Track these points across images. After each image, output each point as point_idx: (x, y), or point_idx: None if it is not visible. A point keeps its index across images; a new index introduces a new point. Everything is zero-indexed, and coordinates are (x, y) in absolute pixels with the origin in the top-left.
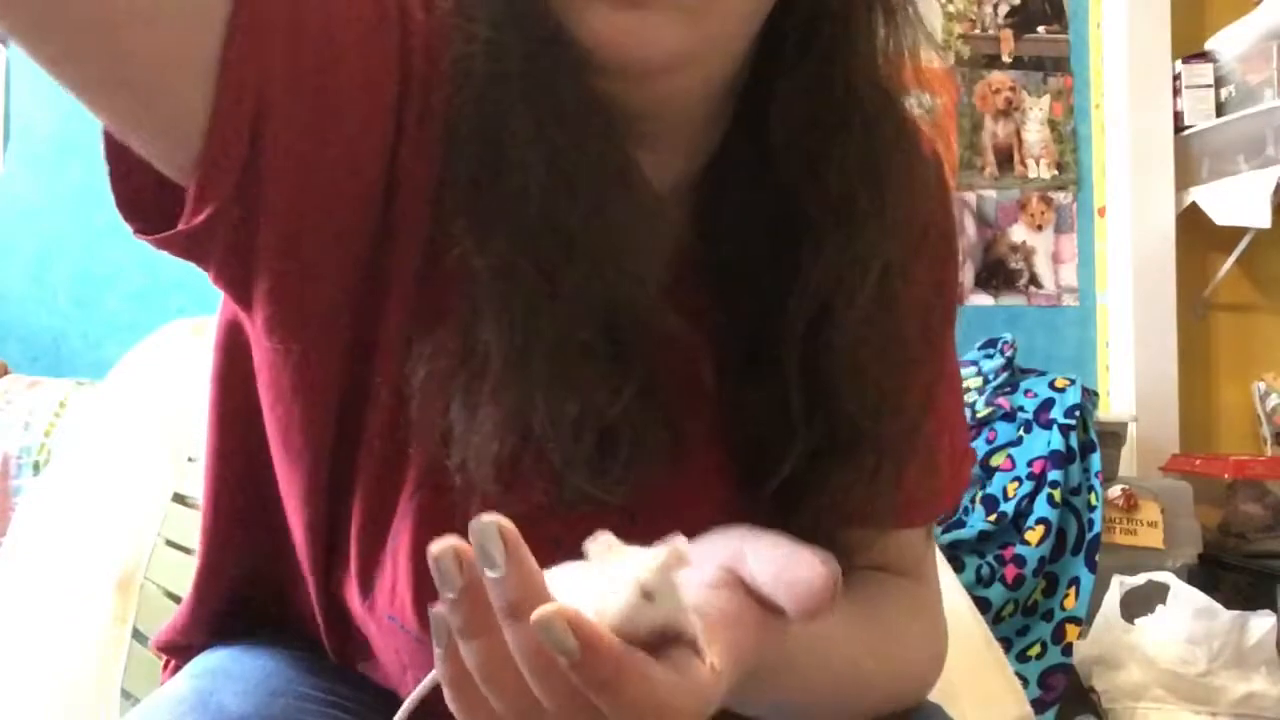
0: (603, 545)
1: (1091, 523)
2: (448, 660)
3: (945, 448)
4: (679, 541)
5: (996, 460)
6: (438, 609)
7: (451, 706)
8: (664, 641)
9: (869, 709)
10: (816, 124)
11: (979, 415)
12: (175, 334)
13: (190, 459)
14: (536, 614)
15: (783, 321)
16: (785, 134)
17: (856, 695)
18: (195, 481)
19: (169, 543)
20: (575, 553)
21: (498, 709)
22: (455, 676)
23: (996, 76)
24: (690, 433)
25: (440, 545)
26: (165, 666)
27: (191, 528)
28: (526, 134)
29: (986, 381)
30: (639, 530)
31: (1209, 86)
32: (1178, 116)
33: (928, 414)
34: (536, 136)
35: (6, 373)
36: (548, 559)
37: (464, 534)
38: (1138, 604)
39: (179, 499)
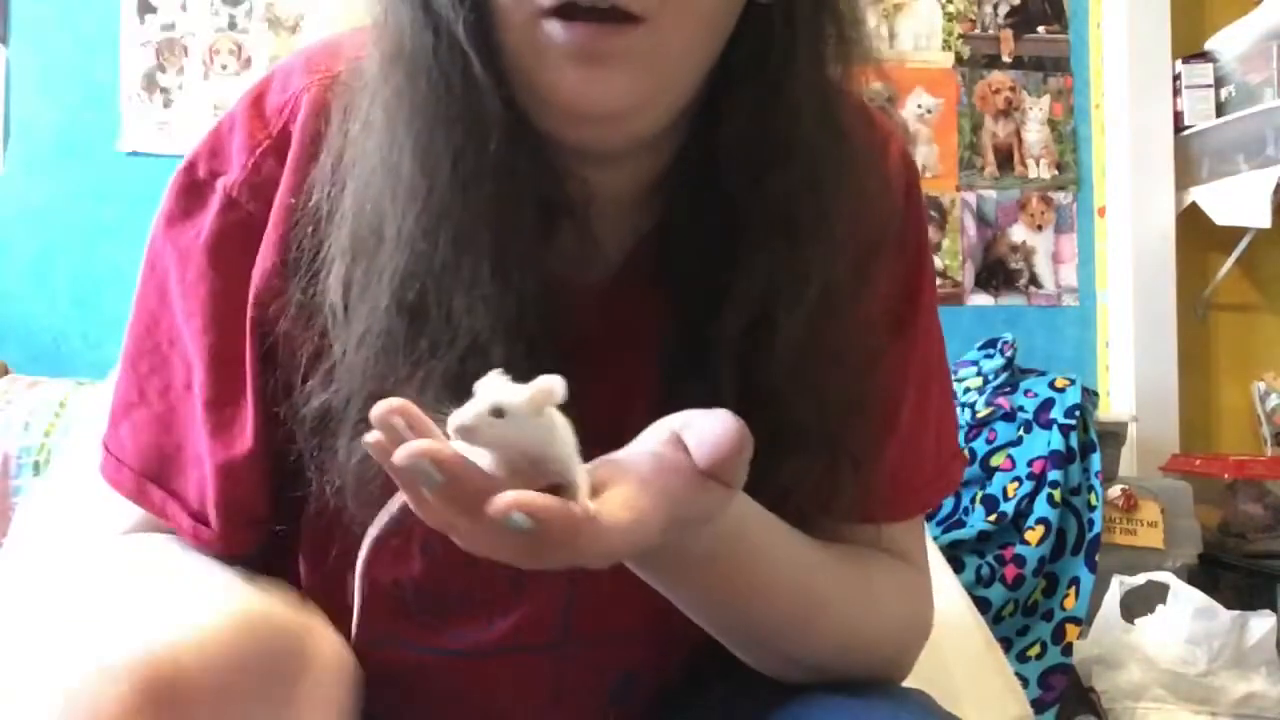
0: (491, 379)
1: (1091, 523)
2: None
3: (930, 445)
4: (554, 380)
5: (996, 460)
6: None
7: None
8: (553, 489)
9: (831, 649)
10: (760, 144)
11: (979, 415)
12: None
13: None
14: (402, 455)
15: (719, 327)
16: (731, 152)
17: (815, 621)
18: None
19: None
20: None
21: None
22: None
23: (996, 76)
24: (631, 426)
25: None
26: None
27: None
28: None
29: (986, 381)
30: None
31: (1209, 86)
32: (1178, 116)
33: (889, 415)
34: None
35: (6, 373)
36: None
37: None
38: (1138, 604)
39: None
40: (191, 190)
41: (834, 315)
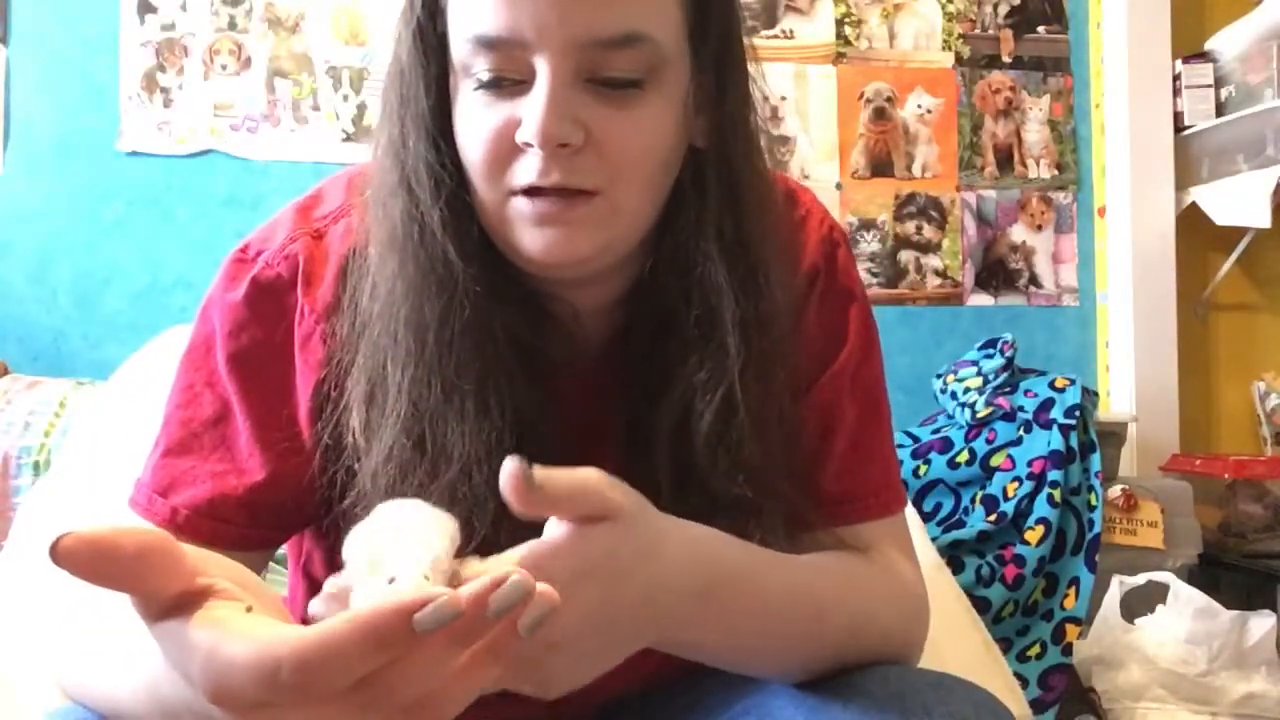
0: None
1: (1091, 523)
2: None
3: (879, 455)
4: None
5: (996, 460)
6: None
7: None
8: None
9: (842, 643)
10: (679, 273)
11: (979, 415)
12: (175, 340)
13: None
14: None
15: (657, 419)
16: (662, 274)
17: (823, 620)
18: None
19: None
20: None
21: None
22: None
23: (996, 76)
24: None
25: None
26: None
27: None
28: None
29: (986, 381)
30: None
31: (1209, 86)
32: (1178, 116)
33: (827, 430)
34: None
35: (6, 373)
36: None
37: None
38: (1138, 604)
39: None
40: (239, 265)
41: (743, 407)
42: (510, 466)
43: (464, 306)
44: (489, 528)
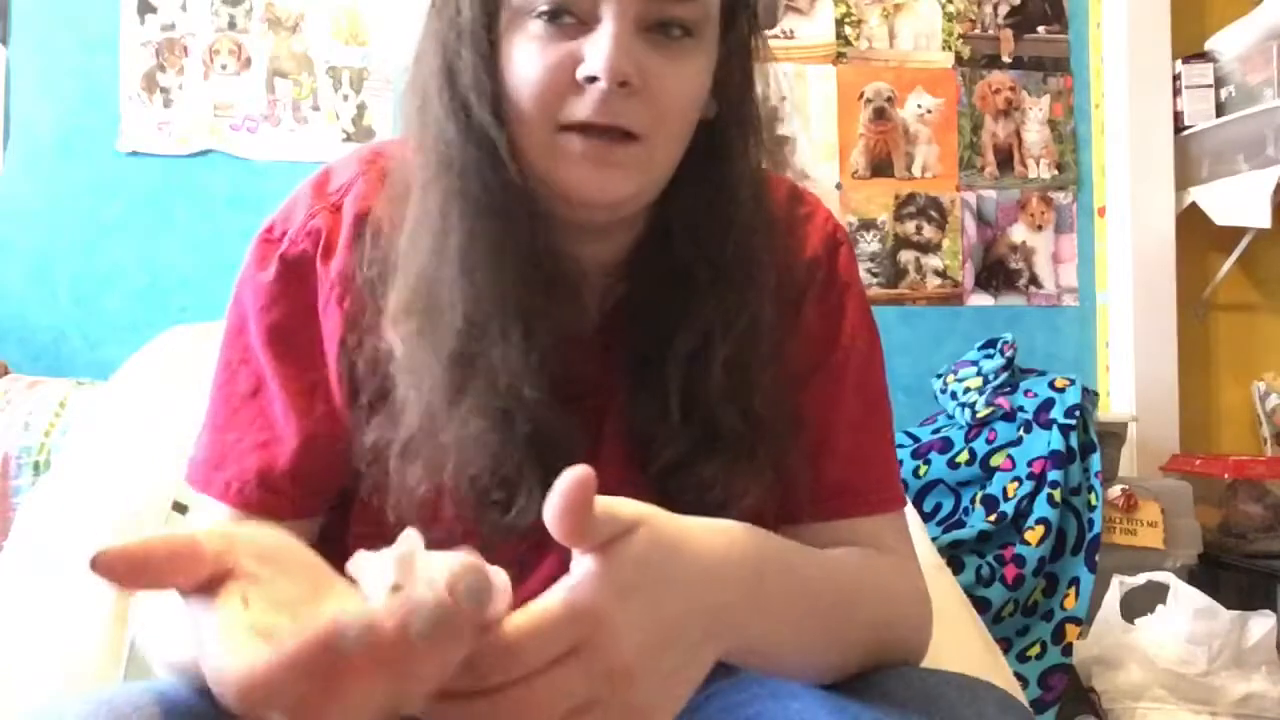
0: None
1: (1091, 523)
2: None
3: (877, 450)
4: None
5: (996, 460)
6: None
7: None
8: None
9: (868, 639)
10: (703, 220)
11: (979, 415)
12: (175, 341)
13: None
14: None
15: (671, 352)
16: (682, 226)
17: (854, 611)
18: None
19: None
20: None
21: None
22: None
23: (996, 76)
24: (607, 431)
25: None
26: None
27: None
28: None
29: (986, 381)
30: None
31: (1209, 86)
32: (1178, 116)
33: (822, 424)
34: (478, 241)
35: (6, 373)
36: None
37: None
38: (1138, 604)
39: (179, 508)
40: (266, 245)
41: (756, 346)
42: (567, 484)
43: (517, 230)
44: (521, 457)
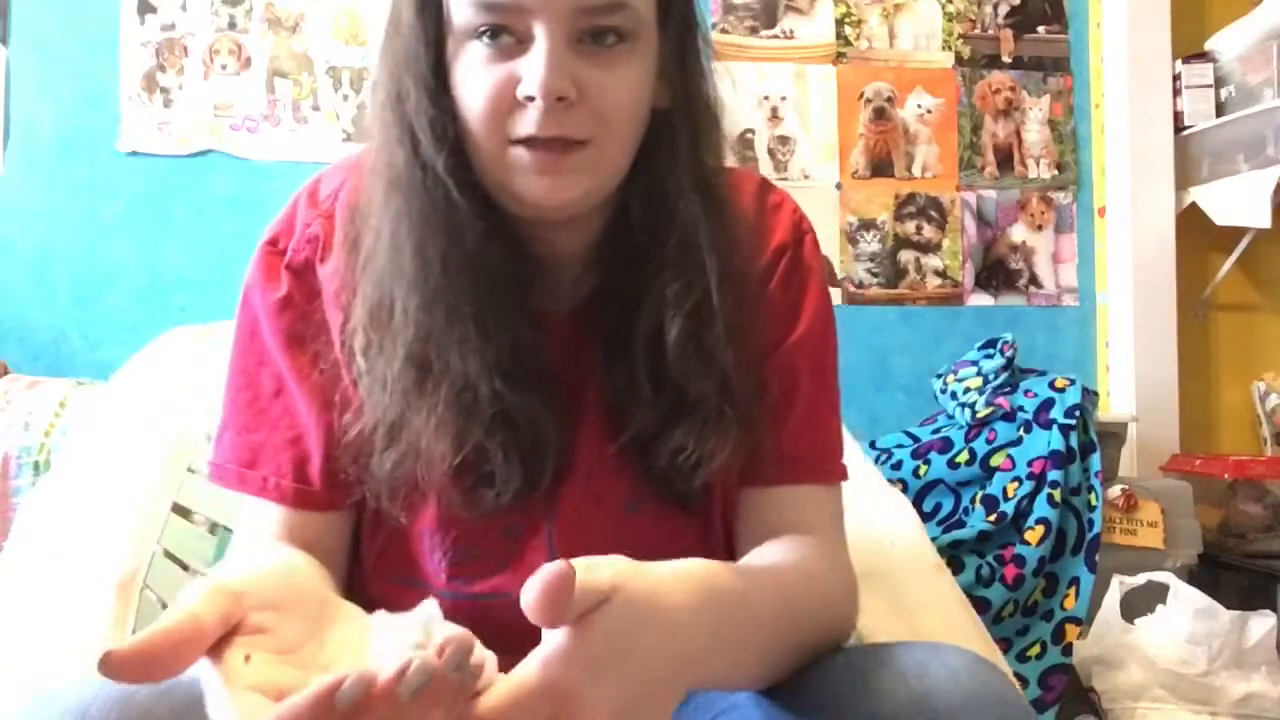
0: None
1: (1091, 523)
2: None
3: (824, 426)
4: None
5: (996, 460)
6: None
7: None
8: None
9: (811, 634)
10: (653, 206)
11: (979, 415)
12: (175, 342)
13: (190, 469)
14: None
15: (635, 330)
16: (639, 211)
17: (793, 617)
18: (194, 493)
19: (167, 554)
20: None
21: None
22: None
23: (996, 76)
24: (586, 407)
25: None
26: None
27: (190, 541)
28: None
29: (986, 381)
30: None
31: (1209, 86)
32: (1178, 116)
33: (780, 398)
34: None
35: (6, 373)
36: (497, 542)
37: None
38: (1138, 604)
39: (179, 510)
40: (272, 255)
41: (709, 322)
42: (548, 576)
43: (464, 241)
44: (481, 437)
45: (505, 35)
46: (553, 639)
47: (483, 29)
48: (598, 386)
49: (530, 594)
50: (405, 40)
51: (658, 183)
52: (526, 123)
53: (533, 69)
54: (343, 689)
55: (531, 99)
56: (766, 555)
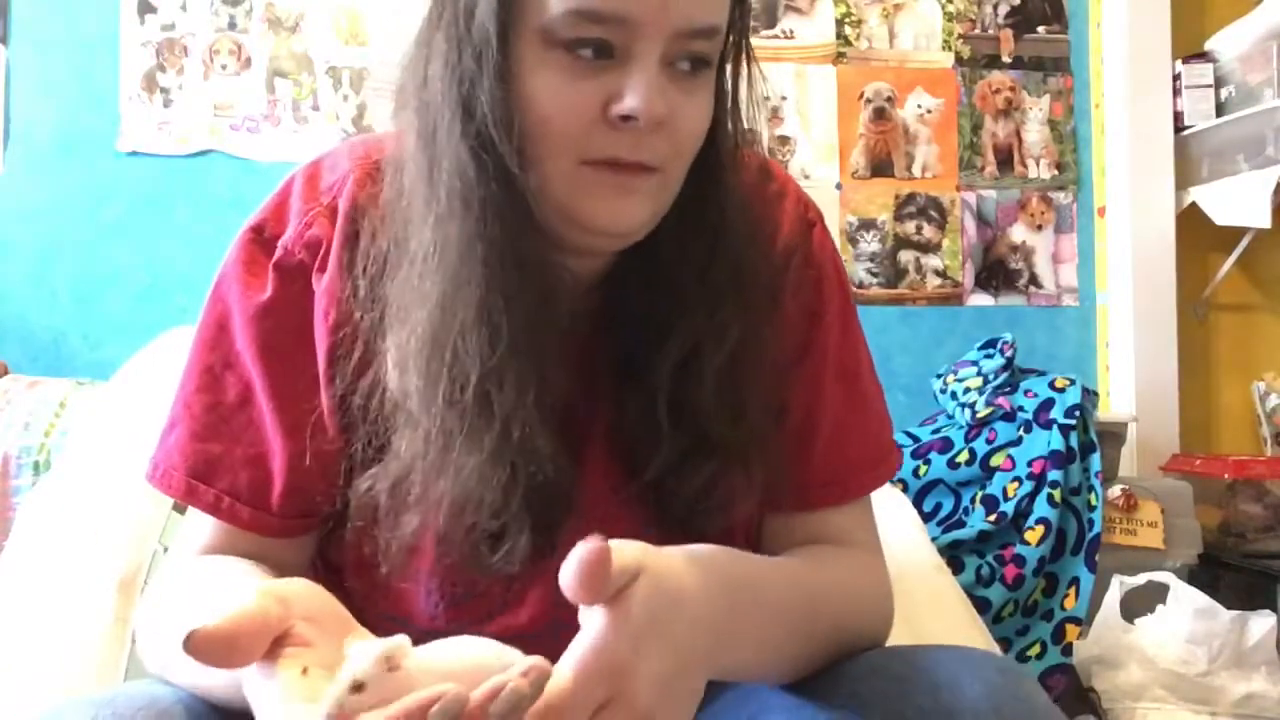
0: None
1: (1091, 523)
2: None
3: (860, 435)
4: (399, 640)
5: (996, 460)
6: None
7: None
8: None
9: (833, 641)
10: (692, 230)
11: (979, 415)
12: (175, 342)
13: None
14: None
15: (659, 359)
16: (669, 236)
17: (817, 619)
18: None
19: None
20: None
21: None
22: None
23: (996, 76)
24: (591, 440)
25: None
26: None
27: None
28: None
29: (986, 381)
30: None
31: (1209, 86)
32: (1178, 116)
33: (810, 414)
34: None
35: (6, 373)
36: (497, 581)
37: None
38: (1138, 604)
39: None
40: (256, 246)
41: (748, 354)
42: (585, 552)
43: (533, 275)
44: (523, 490)
45: (605, 51)
46: (593, 621)
47: (584, 41)
48: (604, 419)
49: (569, 573)
50: (480, 32)
51: (700, 204)
52: (615, 143)
53: (636, 89)
54: (438, 706)
55: (627, 119)
56: (792, 555)
